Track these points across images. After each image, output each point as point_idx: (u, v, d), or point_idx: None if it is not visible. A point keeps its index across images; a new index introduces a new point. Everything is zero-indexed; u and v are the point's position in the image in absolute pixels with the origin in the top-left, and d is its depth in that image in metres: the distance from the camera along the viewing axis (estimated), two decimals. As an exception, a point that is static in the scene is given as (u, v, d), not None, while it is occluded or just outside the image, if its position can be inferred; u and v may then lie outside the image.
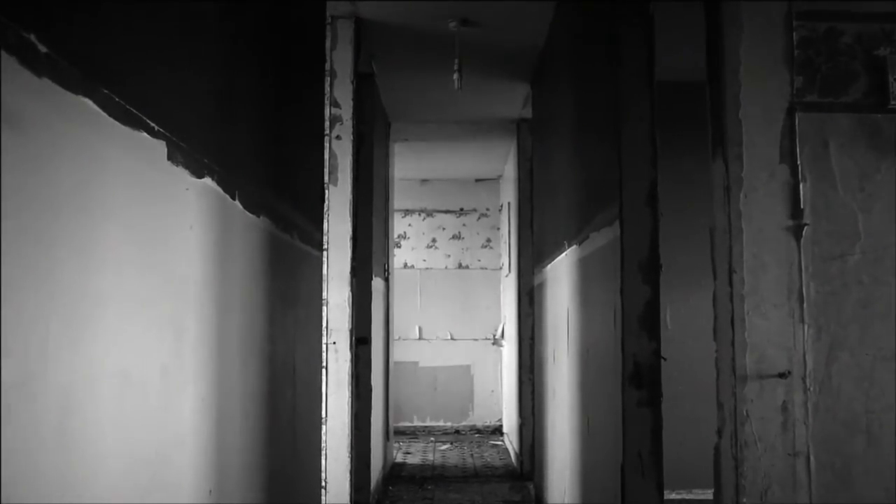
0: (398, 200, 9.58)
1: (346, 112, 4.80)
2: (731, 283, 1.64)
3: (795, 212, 1.64)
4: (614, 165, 2.88)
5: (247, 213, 2.32)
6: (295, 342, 3.03)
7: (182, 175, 1.76)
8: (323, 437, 4.54)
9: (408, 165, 9.10)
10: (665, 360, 2.76)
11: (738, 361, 1.61)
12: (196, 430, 1.84)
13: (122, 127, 1.45)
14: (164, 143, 1.65)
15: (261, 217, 2.48)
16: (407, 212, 9.90)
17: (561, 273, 4.40)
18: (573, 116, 4.10)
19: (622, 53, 2.83)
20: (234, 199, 2.18)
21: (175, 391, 1.72)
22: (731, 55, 1.67)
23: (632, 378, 2.72)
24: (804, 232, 1.64)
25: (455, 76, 4.89)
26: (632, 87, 2.80)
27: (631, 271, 2.76)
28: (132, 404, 1.50)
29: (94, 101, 1.33)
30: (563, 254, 4.26)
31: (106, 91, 1.37)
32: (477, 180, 9.96)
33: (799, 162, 1.65)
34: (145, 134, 1.56)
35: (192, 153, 1.82)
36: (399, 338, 9.62)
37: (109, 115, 1.39)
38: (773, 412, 1.59)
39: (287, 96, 2.99)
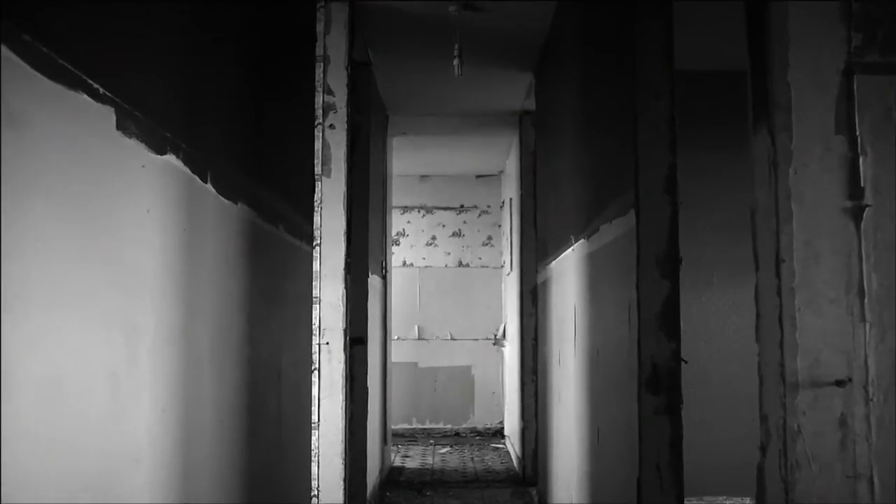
0: (397, 197, 9.33)
1: (341, 100, 4.54)
2: (778, 275, 1.39)
3: (854, 191, 1.40)
4: (629, 150, 2.64)
5: (222, 198, 2.07)
6: (281, 343, 2.79)
7: (137, 149, 1.52)
8: (315, 443, 4.30)
9: (407, 161, 8.85)
10: (686, 362, 2.51)
11: (787, 367, 1.37)
12: (155, 445, 1.60)
13: (53, 84, 1.20)
14: (111, 109, 1.41)
15: (239, 204, 2.24)
16: (406, 209, 9.65)
17: (567, 270, 4.15)
18: (581, 104, 3.86)
19: (637, 28, 2.58)
20: (205, 181, 1.93)
21: (127, 401, 1.47)
22: (776, 8, 1.43)
23: (649, 383, 2.47)
24: (864, 214, 1.39)
25: (455, 62, 4.64)
26: (648, 63, 2.56)
27: (648, 265, 2.51)
28: (67, 417, 1.25)
29: (11, 48, 1.09)
30: (570, 249, 4.01)
31: (28, 38, 1.13)
32: (478, 176, 9.71)
33: (858, 133, 1.41)
34: (86, 96, 1.31)
35: (149, 125, 1.57)
36: (398, 338, 9.37)
37: (33, 68, 1.14)
38: (830, 427, 1.35)
39: (273, 78, 2.74)
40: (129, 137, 1.48)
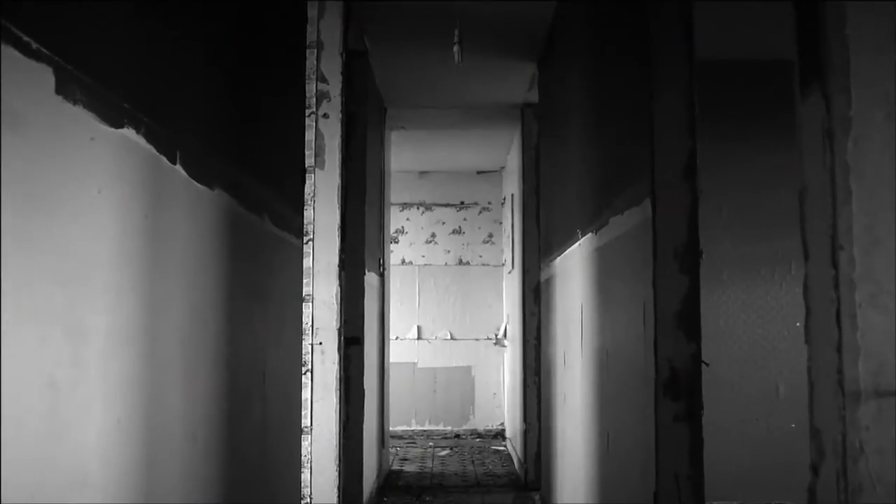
0: (396, 193, 9.11)
1: (335, 88, 4.33)
2: (835, 265, 1.18)
3: (925, 166, 1.19)
4: (644, 135, 2.42)
5: (195, 183, 1.86)
6: (266, 344, 2.57)
7: (83, 118, 1.30)
8: (307, 449, 4.08)
9: (405, 156, 8.63)
10: (707, 365, 2.30)
11: (846, 373, 1.15)
12: (107, 463, 1.38)
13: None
14: (49, 69, 1.19)
15: (216, 190, 2.02)
16: (405, 205, 9.43)
17: (572, 266, 3.94)
18: (589, 92, 3.64)
19: (651, 5, 2.37)
20: (173, 162, 1.71)
21: (71, 412, 1.26)
22: (831, -48, 1.22)
23: (667, 387, 2.26)
24: (937, 193, 1.19)
25: (455, 48, 4.43)
26: (665, 41, 2.34)
27: (665, 259, 2.30)
28: (-14, 436, 1.04)
29: None
30: (576, 244, 3.80)
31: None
32: (478, 172, 9.50)
33: (928, 97, 1.20)
34: (14, 50, 1.10)
35: (100, 92, 1.35)
36: (396, 337, 9.16)
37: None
38: (898, 444, 1.14)
39: (257, 57, 2.53)
40: (73, 104, 1.27)
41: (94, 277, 1.34)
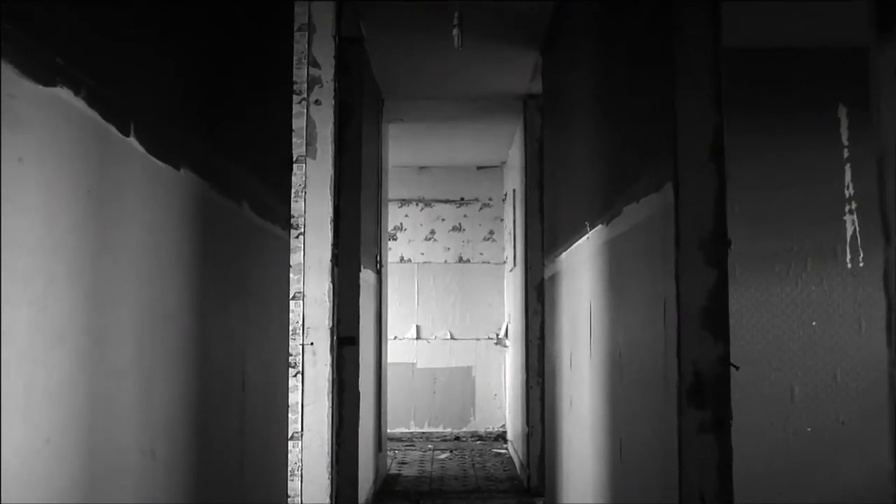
0: (394, 189, 8.87)
1: (327, 73, 4.08)
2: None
3: None
4: (665, 113, 2.18)
5: (155, 160, 1.62)
6: (246, 344, 2.33)
7: (-4, 69, 1.06)
8: (297, 457, 3.84)
9: (404, 151, 8.39)
10: (737, 368, 2.06)
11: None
12: (31, 491, 1.14)
13: None
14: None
15: (183, 171, 1.78)
16: (403, 202, 9.18)
17: (580, 261, 3.70)
18: (599, 78, 3.40)
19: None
20: (126, 134, 1.47)
21: (-22, 430, 1.01)
22: None
23: (692, 393, 2.02)
24: None
25: (455, 31, 4.19)
26: (690, 8, 2.10)
27: (690, 250, 2.06)
28: None
29: None
30: (584, 238, 3.55)
31: None
32: (479, 168, 9.25)
33: None
34: None
35: (22, 40, 1.11)
36: (395, 337, 8.91)
37: None
38: None
39: (236, 30, 2.28)
40: (-19, 49, 1.02)
41: (14, 267, 1.10)
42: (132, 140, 1.49)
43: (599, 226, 3.18)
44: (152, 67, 1.62)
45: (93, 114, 1.33)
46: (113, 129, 1.42)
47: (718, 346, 2.04)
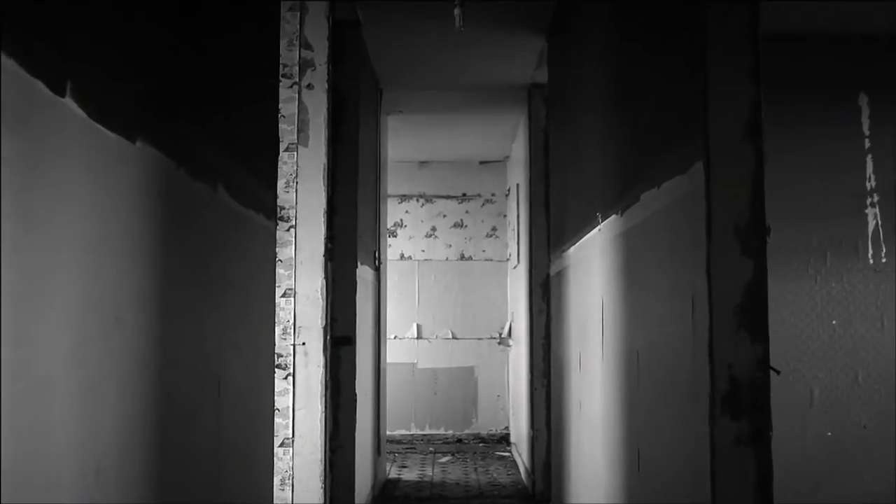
0: (394, 184, 8.62)
1: (321, 56, 3.83)
2: None
3: None
4: (694, 83, 1.94)
5: (100, 128, 1.37)
6: (223, 344, 2.08)
7: None
8: (287, 465, 3.59)
9: (404, 145, 8.14)
10: (778, 372, 1.82)
11: None
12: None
13: None
14: None
15: (139, 144, 1.53)
16: (404, 197, 8.93)
17: (591, 255, 3.45)
18: (614, 58, 3.16)
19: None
20: (60, 93, 1.22)
21: None
22: None
23: (726, 400, 1.77)
24: None
25: (456, 11, 3.95)
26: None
27: (723, 238, 1.81)
28: None
29: None
30: (595, 230, 3.31)
31: None
32: (481, 162, 9.00)
33: None
34: None
35: None
36: (394, 336, 8.66)
37: None
38: None
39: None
40: None
41: None
42: (68, 101, 1.25)
43: (613, 216, 2.93)
44: (101, 25, 1.38)
45: (10, 63, 1.09)
46: (41, 86, 1.17)
47: (756, 347, 1.79)
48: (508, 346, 8.53)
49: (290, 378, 3.70)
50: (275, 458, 3.64)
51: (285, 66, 3.83)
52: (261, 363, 2.54)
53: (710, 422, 1.78)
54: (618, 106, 2.96)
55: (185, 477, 1.78)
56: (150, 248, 1.58)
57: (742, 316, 1.79)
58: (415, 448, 8.33)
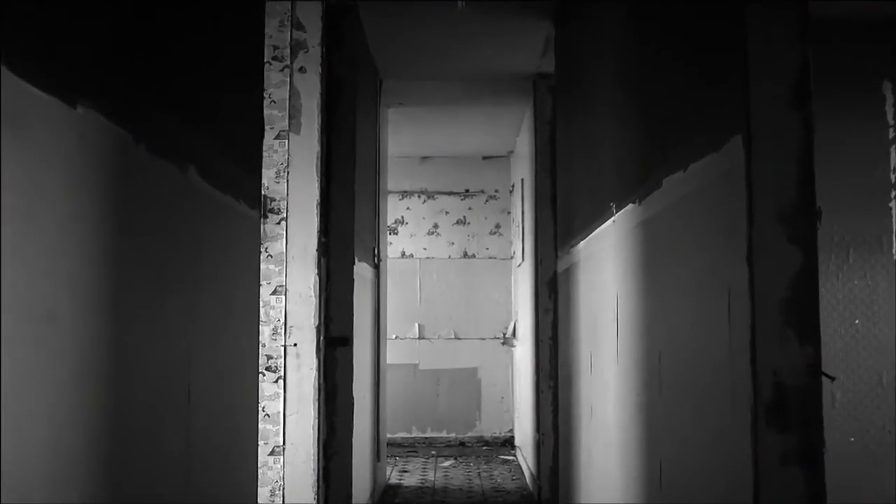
0: (395, 180, 8.38)
1: (314, 37, 3.60)
2: None
3: None
4: (731, 45, 1.69)
5: (23, 83, 1.12)
6: (193, 346, 1.84)
7: None
8: (278, 474, 3.36)
9: (405, 139, 7.89)
10: (833, 379, 1.57)
11: None
12: None
13: None
14: None
15: (81, 109, 1.29)
16: (405, 193, 8.69)
17: (603, 249, 3.21)
18: (628, 39, 2.92)
19: None
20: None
21: None
22: None
23: (771, 411, 1.52)
24: None
25: (458, -10, 3.69)
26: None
27: (767, 224, 1.56)
28: None
29: None
30: (609, 221, 3.06)
31: None
32: (484, 158, 8.75)
33: None
34: None
35: None
36: (395, 337, 8.42)
37: None
38: None
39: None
40: None
41: None
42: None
43: (629, 205, 2.69)
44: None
45: None
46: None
47: (806, 349, 1.54)
48: (513, 346, 8.28)
49: (281, 382, 3.46)
50: (265, 468, 3.39)
51: (276, 47, 3.59)
52: (244, 366, 2.29)
53: (753, 435, 1.54)
54: (634, 88, 2.71)
55: (142, 499, 1.53)
56: (95, 231, 1.34)
57: (789, 312, 1.54)
58: (416, 451, 8.08)
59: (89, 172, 1.32)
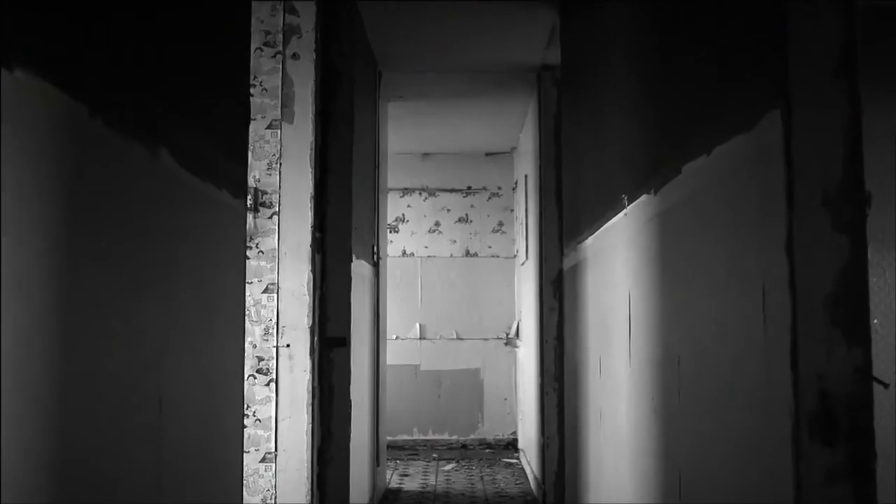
0: (396, 177, 8.20)
1: (307, 22, 3.42)
2: None
3: None
4: (768, 9, 1.51)
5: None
6: (168, 349, 1.66)
7: None
8: (269, 482, 3.18)
9: (406, 135, 7.71)
10: (886, 386, 1.39)
11: None
12: None
13: None
14: None
15: (18, 73, 1.11)
16: (406, 191, 8.50)
17: (614, 244, 3.02)
18: (640, 24, 2.74)
19: None
20: None
21: None
22: None
23: (815, 422, 1.34)
24: None
25: (460, -29, 3.51)
26: None
27: (809, 209, 1.38)
28: None
29: None
30: (620, 214, 2.88)
31: None
32: (487, 154, 8.56)
33: None
34: None
35: None
36: (396, 337, 8.24)
37: None
38: None
39: None
40: None
41: None
42: None
43: (644, 196, 2.50)
44: None
45: None
46: None
47: (854, 352, 1.36)
48: (516, 346, 8.10)
49: (273, 384, 3.28)
50: (255, 476, 3.21)
51: (268, 33, 3.41)
52: (226, 368, 2.11)
53: (794, 448, 1.36)
54: (649, 72, 2.53)
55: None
56: (41, 217, 1.16)
57: (836, 310, 1.36)
58: (417, 454, 7.90)
59: (36, 149, 1.14)
